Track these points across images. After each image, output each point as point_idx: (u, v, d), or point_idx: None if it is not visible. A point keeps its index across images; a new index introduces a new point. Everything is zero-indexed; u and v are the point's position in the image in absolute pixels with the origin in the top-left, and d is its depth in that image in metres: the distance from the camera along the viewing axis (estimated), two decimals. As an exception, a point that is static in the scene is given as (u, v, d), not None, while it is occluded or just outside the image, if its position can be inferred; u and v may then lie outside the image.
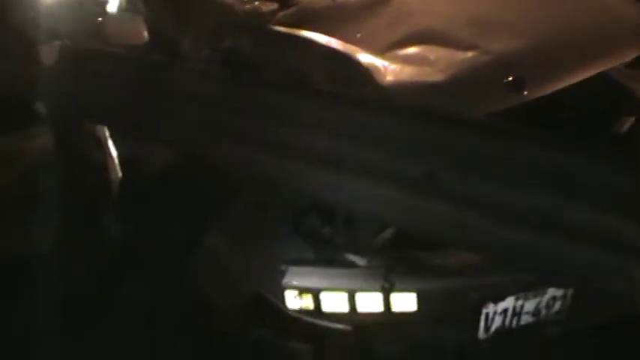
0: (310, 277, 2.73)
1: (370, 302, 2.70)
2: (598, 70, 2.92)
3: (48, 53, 4.22)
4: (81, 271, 3.55)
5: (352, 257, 2.66)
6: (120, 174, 4.18)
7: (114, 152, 4.35)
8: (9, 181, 4.83)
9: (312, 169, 2.55)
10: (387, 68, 2.79)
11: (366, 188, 2.37)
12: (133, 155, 4.18)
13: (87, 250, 3.69)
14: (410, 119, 2.32)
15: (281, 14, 3.45)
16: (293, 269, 2.73)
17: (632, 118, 3.19)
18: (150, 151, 3.97)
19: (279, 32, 3.26)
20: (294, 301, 2.77)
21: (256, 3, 3.60)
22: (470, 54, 2.86)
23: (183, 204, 3.35)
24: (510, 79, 2.69)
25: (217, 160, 3.05)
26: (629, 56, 3.13)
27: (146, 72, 3.65)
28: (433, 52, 2.89)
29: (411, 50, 2.95)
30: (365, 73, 2.78)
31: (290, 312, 2.78)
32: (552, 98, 2.84)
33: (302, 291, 2.74)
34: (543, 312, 2.84)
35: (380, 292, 2.65)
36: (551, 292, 2.80)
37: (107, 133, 4.37)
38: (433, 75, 2.75)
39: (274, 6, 3.52)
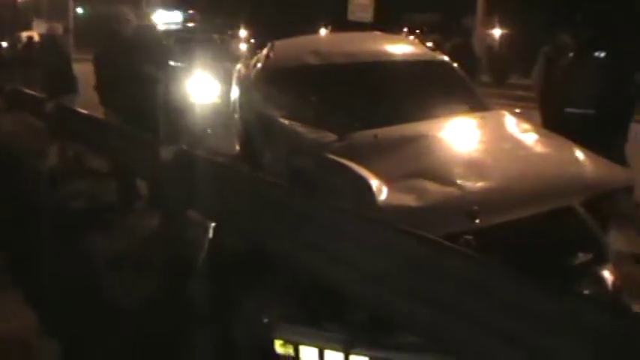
0: (295, 333, 3.62)
1: (334, 358, 3.55)
2: (543, 209, 3.80)
3: (166, 153, 5.44)
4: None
5: (328, 325, 3.59)
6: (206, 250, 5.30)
7: (210, 234, 5.46)
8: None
9: (325, 261, 3.63)
10: (386, 194, 3.81)
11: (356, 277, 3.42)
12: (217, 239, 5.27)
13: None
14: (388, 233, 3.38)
15: (336, 145, 4.54)
16: (282, 325, 3.65)
17: (590, 255, 3.98)
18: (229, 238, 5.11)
19: (329, 159, 4.31)
20: (280, 348, 3.65)
21: (321, 133, 4.70)
22: (446, 188, 3.85)
23: (240, 279, 4.39)
24: (468, 210, 3.62)
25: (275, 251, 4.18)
26: (574, 201, 3.97)
27: (237, 179, 4.79)
28: (423, 185, 3.88)
29: (410, 182, 3.94)
30: (372, 196, 3.80)
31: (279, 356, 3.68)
32: (519, 226, 3.72)
33: (286, 342, 3.63)
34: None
35: (342, 352, 3.53)
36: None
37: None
38: (414, 202, 3.73)
39: (333, 137, 4.62)
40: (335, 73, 5.53)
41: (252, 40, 31.91)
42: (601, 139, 5.37)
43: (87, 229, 6.75)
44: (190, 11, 30.98)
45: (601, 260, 3.91)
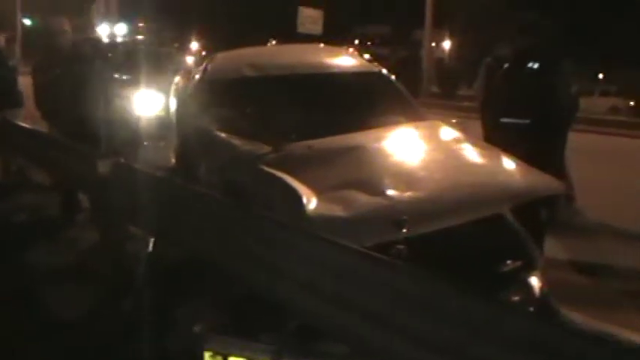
0: (224, 344, 3.59)
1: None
2: (472, 218, 3.88)
3: (104, 165, 5.41)
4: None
5: (259, 335, 3.61)
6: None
7: (150, 247, 5.44)
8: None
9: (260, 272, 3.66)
10: (315, 204, 3.83)
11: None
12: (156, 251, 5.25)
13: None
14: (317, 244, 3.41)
15: (270, 156, 4.55)
16: (212, 336, 3.62)
17: (519, 262, 4.04)
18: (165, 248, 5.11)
19: (261, 170, 4.34)
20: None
21: (256, 145, 4.72)
22: (375, 198, 3.89)
23: (175, 291, 4.40)
24: (395, 220, 3.64)
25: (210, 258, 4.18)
26: (502, 209, 4.07)
27: (172, 191, 4.78)
28: (352, 196, 3.92)
29: (340, 192, 3.97)
30: (301, 207, 3.82)
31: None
32: (449, 234, 3.78)
33: (216, 353, 3.59)
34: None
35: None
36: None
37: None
38: (342, 212, 3.77)
39: (267, 149, 4.64)
40: (271, 85, 5.57)
41: (204, 53, 31.87)
42: (537, 148, 5.46)
43: (29, 242, 6.70)
44: (140, 24, 30.84)
45: (529, 267, 3.98)
